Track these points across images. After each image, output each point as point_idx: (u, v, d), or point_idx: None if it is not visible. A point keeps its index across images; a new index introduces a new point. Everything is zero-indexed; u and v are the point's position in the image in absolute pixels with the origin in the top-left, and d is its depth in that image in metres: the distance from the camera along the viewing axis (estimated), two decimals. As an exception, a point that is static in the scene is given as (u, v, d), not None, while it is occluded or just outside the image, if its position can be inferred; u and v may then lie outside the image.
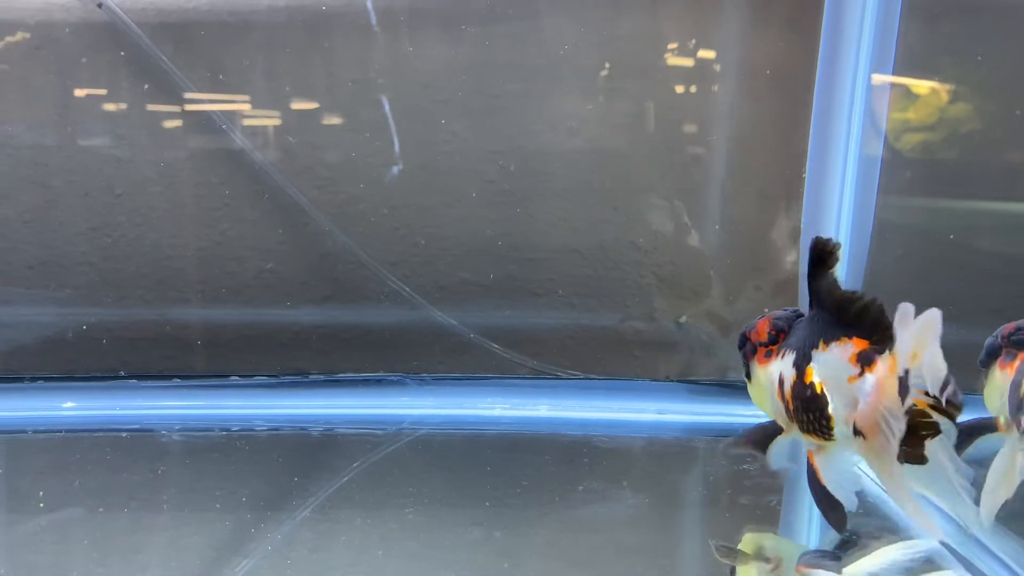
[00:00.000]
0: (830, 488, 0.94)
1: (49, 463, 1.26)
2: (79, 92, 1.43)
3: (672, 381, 1.50)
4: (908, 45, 1.32)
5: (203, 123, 1.45)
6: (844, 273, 1.37)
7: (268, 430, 1.36)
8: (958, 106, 1.36)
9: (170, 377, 1.47)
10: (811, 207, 1.41)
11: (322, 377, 1.49)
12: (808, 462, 0.95)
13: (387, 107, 1.45)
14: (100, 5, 1.39)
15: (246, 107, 1.45)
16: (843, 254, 1.34)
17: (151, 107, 1.44)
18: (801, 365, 0.93)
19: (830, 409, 0.90)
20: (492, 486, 1.17)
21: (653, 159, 1.49)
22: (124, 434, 1.34)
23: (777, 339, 0.99)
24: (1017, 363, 0.96)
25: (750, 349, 1.02)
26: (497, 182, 1.48)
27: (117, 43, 1.41)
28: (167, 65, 1.41)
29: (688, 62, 1.46)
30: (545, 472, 1.23)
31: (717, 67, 1.47)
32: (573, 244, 1.50)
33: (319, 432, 1.36)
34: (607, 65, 1.46)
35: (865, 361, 0.86)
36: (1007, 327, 0.99)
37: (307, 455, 1.30)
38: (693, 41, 1.46)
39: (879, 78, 1.35)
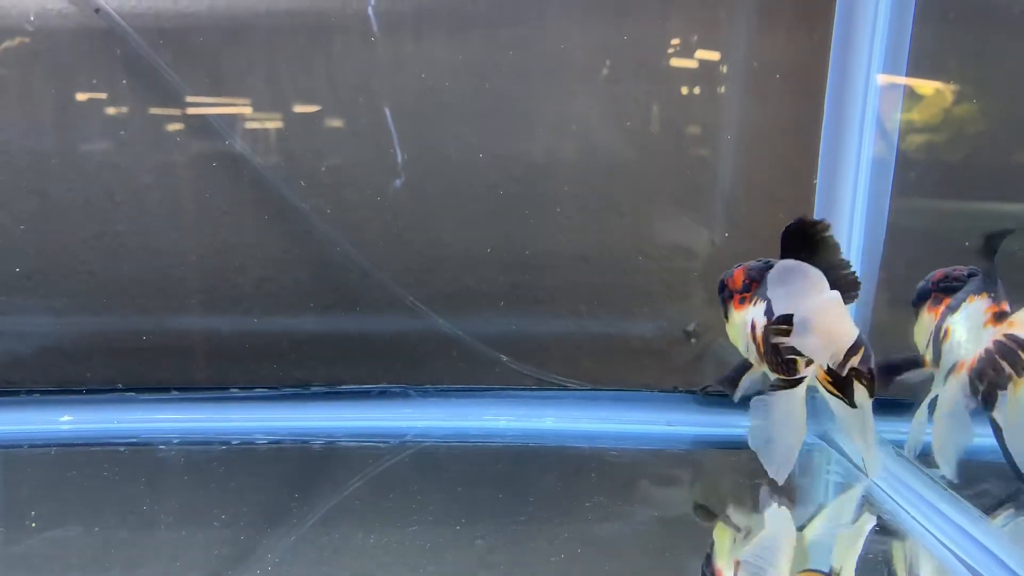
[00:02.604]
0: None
1: (46, 478, 1.24)
2: (77, 98, 1.42)
3: (681, 391, 1.48)
4: (922, 46, 1.30)
5: (203, 130, 1.43)
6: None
7: (269, 443, 1.34)
8: (972, 108, 1.34)
9: (168, 389, 1.45)
10: (823, 212, 1.39)
11: (324, 389, 1.47)
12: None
13: (389, 118, 1.43)
14: (98, 11, 1.38)
15: (246, 113, 1.43)
16: (856, 259, 1.34)
17: (150, 114, 1.43)
18: (770, 313, 1.07)
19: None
20: (498, 500, 1.15)
21: (661, 164, 1.47)
22: (122, 448, 1.32)
23: (750, 287, 1.13)
24: (942, 308, 1.08)
25: (727, 295, 1.16)
26: (501, 188, 1.46)
27: (115, 49, 1.40)
28: (166, 71, 1.39)
29: (696, 65, 1.44)
30: (551, 485, 1.20)
31: (725, 70, 1.45)
32: (579, 251, 1.48)
33: (321, 445, 1.34)
34: (613, 69, 1.44)
35: None
36: (937, 274, 1.11)
37: (309, 468, 1.28)
38: (701, 44, 1.44)
39: (892, 80, 1.33)
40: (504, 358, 1.47)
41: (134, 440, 1.34)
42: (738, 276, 1.15)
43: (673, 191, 1.47)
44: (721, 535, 1.07)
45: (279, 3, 1.40)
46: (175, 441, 1.34)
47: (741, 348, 1.17)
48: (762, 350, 1.09)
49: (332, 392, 1.46)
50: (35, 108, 1.41)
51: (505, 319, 1.48)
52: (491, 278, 1.48)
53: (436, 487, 1.18)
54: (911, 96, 1.35)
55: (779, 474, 1.06)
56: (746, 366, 1.16)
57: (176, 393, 1.44)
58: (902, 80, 1.33)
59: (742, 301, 1.14)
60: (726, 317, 1.18)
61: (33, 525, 1.05)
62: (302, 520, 1.06)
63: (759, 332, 1.09)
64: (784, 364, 1.06)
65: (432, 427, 1.40)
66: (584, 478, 1.23)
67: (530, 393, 1.47)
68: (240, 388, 1.45)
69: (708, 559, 1.00)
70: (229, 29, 1.41)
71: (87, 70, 1.41)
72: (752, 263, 1.16)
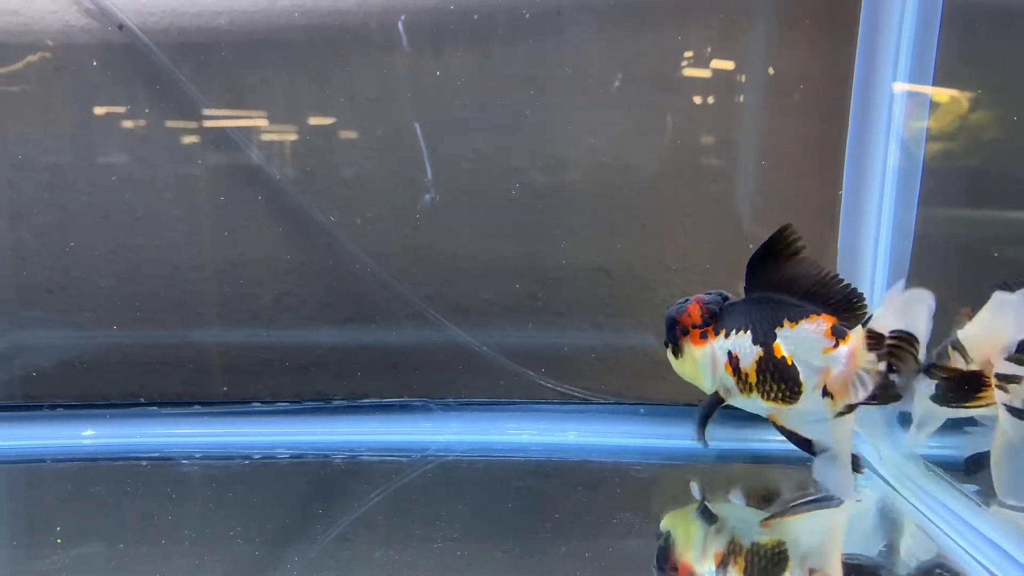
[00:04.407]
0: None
1: (69, 493, 1.24)
2: (98, 113, 1.42)
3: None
4: (948, 56, 1.28)
5: (223, 144, 1.44)
6: (882, 291, 1.33)
7: (290, 457, 1.34)
8: (1001, 117, 1.33)
9: (190, 404, 1.45)
10: (848, 225, 1.37)
11: (345, 402, 1.46)
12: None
13: (420, 135, 1.43)
14: (121, 27, 1.38)
15: (266, 127, 1.43)
16: (883, 270, 1.33)
17: (170, 128, 1.43)
18: (767, 342, 1.07)
19: (801, 377, 1.06)
20: (520, 515, 1.14)
21: (682, 176, 1.45)
22: (144, 463, 1.32)
23: (710, 321, 1.13)
24: None
25: (682, 330, 1.16)
26: (521, 200, 1.46)
27: (137, 65, 1.40)
28: (187, 86, 1.40)
29: (716, 77, 1.43)
30: (575, 500, 1.19)
31: (747, 82, 1.44)
32: (600, 263, 1.47)
33: (342, 459, 1.33)
34: (633, 81, 1.44)
35: (838, 334, 1.03)
36: None
37: (330, 483, 1.27)
38: (721, 56, 1.43)
39: (918, 88, 1.32)
40: (539, 373, 1.46)
41: (156, 455, 1.34)
42: (694, 311, 1.14)
43: (695, 203, 1.46)
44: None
45: (298, 19, 1.40)
46: (197, 456, 1.33)
47: (705, 384, 1.17)
48: (755, 380, 1.09)
49: (353, 406, 1.46)
50: (56, 123, 1.42)
51: (526, 332, 1.47)
52: (511, 291, 1.47)
53: (458, 501, 1.17)
54: (937, 106, 1.33)
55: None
56: (717, 401, 1.17)
57: (198, 407, 1.44)
58: (928, 89, 1.31)
59: (703, 336, 1.14)
60: (677, 354, 1.18)
61: (58, 540, 1.05)
62: (324, 535, 1.05)
63: (745, 364, 1.10)
64: (789, 392, 1.07)
65: (454, 441, 1.39)
66: (608, 493, 1.22)
67: (553, 407, 1.46)
68: (261, 402, 1.45)
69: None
70: (249, 44, 1.41)
71: (108, 85, 1.41)
72: (707, 296, 1.16)
